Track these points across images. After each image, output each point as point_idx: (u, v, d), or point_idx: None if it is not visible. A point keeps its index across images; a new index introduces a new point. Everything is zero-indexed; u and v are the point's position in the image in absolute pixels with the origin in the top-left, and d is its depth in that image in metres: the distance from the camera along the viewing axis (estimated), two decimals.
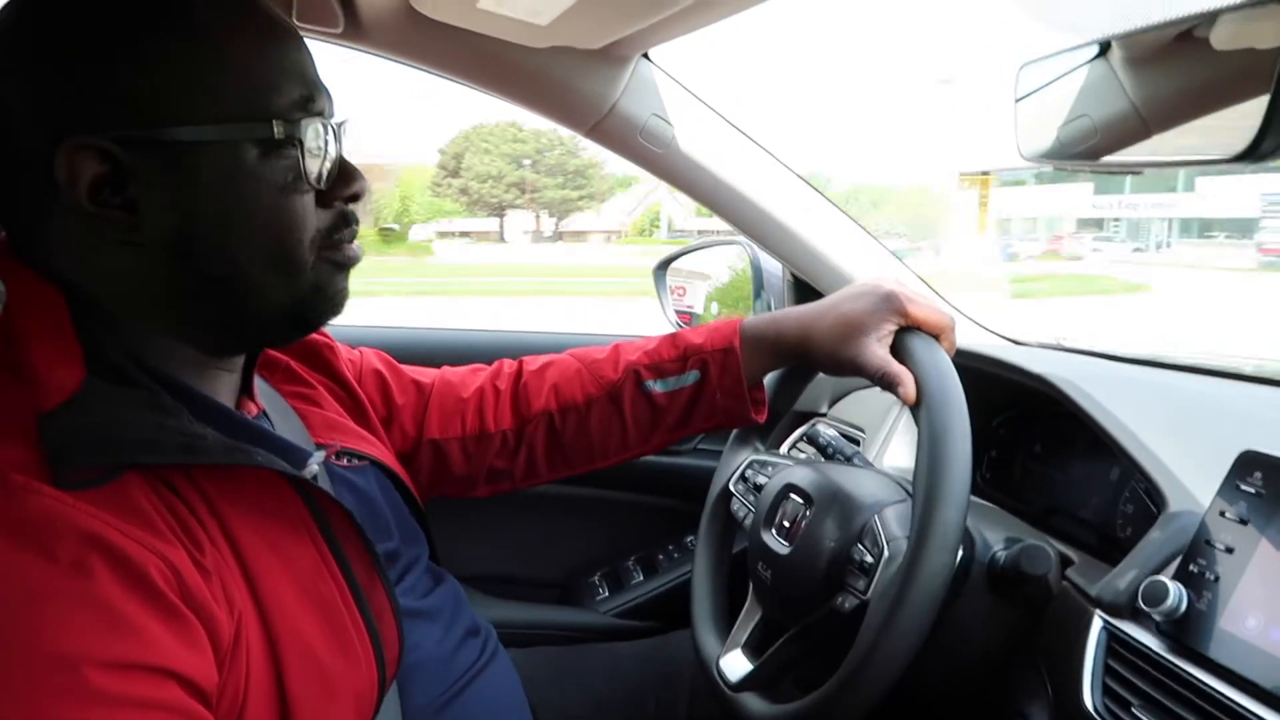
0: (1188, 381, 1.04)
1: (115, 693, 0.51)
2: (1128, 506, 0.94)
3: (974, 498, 0.76)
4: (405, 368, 1.01)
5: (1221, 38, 0.71)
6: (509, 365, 1.03)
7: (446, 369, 1.03)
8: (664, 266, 1.60)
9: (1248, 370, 1.03)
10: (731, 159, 1.25)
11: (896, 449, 1.22)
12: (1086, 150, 0.83)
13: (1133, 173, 0.93)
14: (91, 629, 0.51)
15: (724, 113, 1.25)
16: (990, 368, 1.08)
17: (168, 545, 0.56)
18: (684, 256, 1.61)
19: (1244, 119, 0.63)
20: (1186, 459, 0.81)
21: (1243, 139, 0.60)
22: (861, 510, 0.86)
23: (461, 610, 0.88)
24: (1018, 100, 0.86)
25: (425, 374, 1.01)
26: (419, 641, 0.78)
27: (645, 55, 1.17)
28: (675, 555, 1.51)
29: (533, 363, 1.02)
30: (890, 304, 0.87)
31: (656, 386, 0.97)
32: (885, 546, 0.81)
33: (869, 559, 0.81)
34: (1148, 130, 0.79)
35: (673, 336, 0.99)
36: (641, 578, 1.51)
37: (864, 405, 1.39)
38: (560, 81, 1.13)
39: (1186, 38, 0.74)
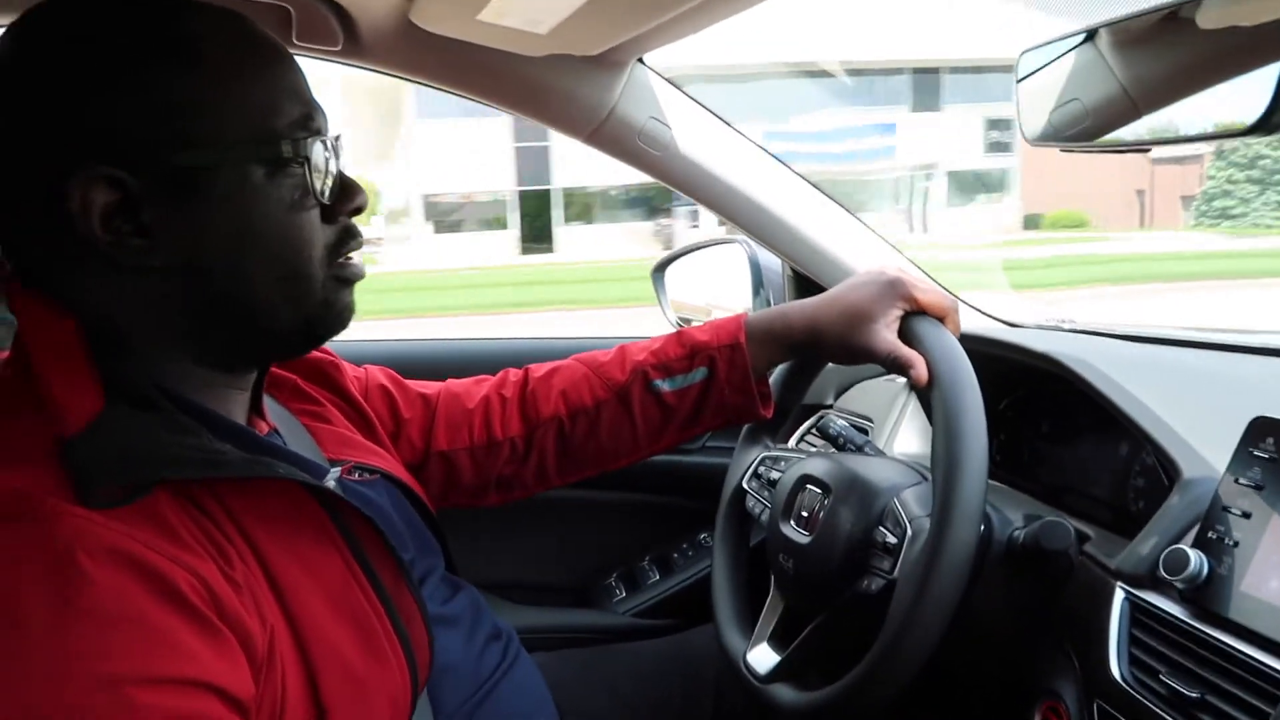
0: (1190, 355, 1.05)
1: (159, 708, 0.51)
2: (1139, 480, 0.95)
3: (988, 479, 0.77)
4: (410, 382, 1.01)
5: (1209, 18, 0.73)
6: (514, 374, 1.03)
7: (451, 381, 1.03)
8: (662, 269, 1.60)
9: (1252, 343, 1.05)
10: (729, 158, 1.26)
11: (906, 436, 1.23)
12: (1080, 132, 0.85)
13: (1141, 150, 0.94)
14: (130, 646, 0.52)
15: (718, 113, 1.27)
16: (995, 350, 1.09)
17: (197, 559, 0.56)
18: (682, 258, 1.61)
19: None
20: (1198, 428, 0.82)
21: (1253, 111, 0.61)
22: (880, 494, 0.87)
23: (482, 615, 0.88)
24: (1018, 82, 0.88)
25: (430, 387, 1.01)
26: (445, 647, 0.79)
27: (640, 60, 1.18)
28: (690, 553, 1.52)
29: (538, 370, 1.02)
30: (896, 290, 0.89)
31: (665, 386, 0.97)
32: (908, 525, 0.82)
33: (892, 539, 0.82)
34: (1138, 111, 0.80)
35: (678, 335, 0.99)
36: (658, 577, 1.51)
37: (871, 395, 1.40)
38: (559, 89, 1.15)
39: (1172, 19, 0.75)
